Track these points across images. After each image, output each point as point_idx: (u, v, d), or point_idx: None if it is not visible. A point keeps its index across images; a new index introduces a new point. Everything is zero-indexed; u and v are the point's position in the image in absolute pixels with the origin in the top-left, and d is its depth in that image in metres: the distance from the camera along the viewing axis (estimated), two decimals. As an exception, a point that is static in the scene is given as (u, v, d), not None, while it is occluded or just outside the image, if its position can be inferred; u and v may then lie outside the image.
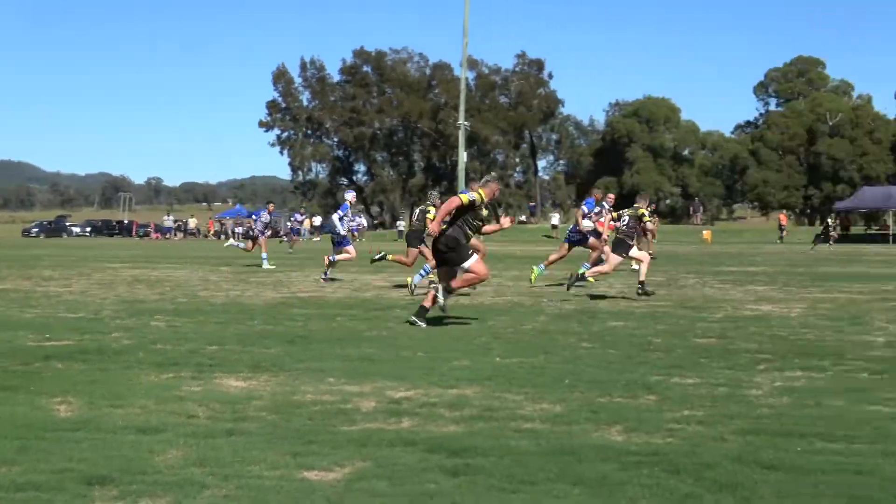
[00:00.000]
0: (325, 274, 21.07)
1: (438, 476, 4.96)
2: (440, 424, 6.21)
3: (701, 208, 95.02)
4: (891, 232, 68.23)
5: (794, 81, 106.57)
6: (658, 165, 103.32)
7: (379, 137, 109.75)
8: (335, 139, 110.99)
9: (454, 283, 12.22)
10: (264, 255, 27.69)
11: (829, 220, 57.51)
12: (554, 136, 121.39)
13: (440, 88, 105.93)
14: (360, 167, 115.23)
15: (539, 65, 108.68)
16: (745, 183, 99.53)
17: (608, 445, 5.59)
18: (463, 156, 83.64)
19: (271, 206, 30.46)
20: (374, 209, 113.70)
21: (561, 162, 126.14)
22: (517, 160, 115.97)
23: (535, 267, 19.78)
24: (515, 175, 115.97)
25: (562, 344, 10.24)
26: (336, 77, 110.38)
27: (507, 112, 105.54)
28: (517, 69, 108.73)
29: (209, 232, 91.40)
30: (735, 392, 7.35)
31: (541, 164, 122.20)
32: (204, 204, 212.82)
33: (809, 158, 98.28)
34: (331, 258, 21.07)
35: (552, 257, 20.52)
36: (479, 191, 12.20)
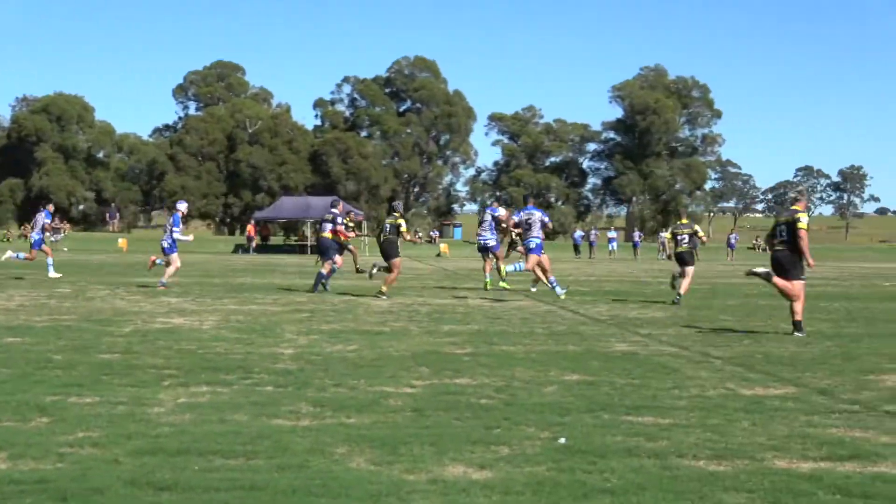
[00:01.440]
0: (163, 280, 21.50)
1: None
2: None
3: (117, 215, 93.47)
4: (308, 243, 70.94)
5: (215, 86, 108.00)
6: (70, 167, 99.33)
7: None
8: None
9: (782, 287, 13.57)
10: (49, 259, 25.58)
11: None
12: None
13: None
14: None
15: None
16: (164, 189, 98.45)
17: (-10, 476, 5.18)
18: None
19: (51, 207, 27.39)
20: None
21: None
22: None
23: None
24: None
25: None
26: None
27: None
28: None
29: None
30: (135, 410, 7.17)
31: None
32: None
33: (230, 166, 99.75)
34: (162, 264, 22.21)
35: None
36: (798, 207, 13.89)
